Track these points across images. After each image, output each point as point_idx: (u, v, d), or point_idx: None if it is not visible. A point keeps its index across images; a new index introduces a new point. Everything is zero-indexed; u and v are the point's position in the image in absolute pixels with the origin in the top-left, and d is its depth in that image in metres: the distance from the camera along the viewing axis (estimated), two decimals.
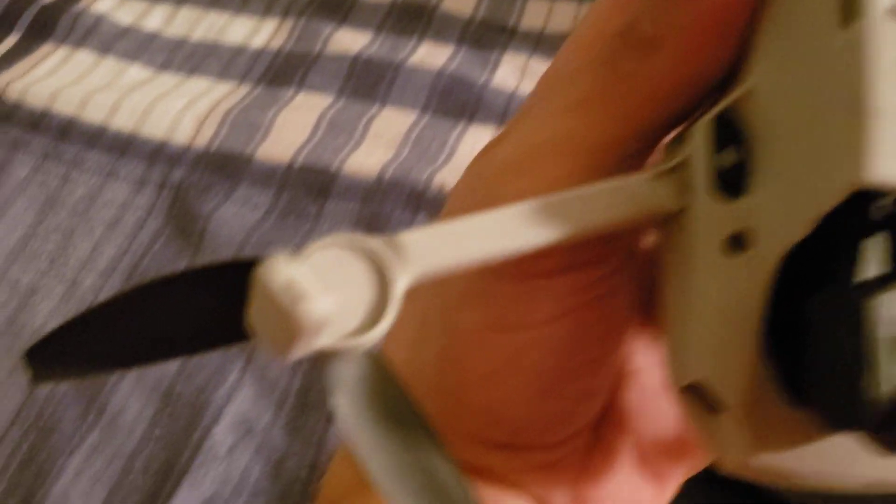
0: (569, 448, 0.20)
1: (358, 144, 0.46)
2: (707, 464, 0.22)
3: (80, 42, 0.51)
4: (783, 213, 0.13)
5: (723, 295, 0.14)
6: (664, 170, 0.16)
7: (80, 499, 0.36)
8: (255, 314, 0.14)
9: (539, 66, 0.48)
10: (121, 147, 0.46)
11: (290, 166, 0.45)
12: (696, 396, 0.15)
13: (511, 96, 0.47)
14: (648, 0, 0.16)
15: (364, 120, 0.47)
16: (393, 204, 0.44)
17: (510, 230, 0.15)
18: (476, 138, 0.45)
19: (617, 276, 0.18)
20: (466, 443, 0.20)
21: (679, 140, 0.16)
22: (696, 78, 0.16)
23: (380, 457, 0.15)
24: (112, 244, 0.43)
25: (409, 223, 0.43)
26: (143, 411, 0.38)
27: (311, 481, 0.37)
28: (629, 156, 0.17)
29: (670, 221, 0.16)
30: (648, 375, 0.21)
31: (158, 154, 0.46)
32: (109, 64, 0.50)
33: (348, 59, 0.49)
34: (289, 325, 0.13)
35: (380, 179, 0.44)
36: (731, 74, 0.16)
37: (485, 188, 0.18)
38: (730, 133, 0.15)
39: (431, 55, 0.49)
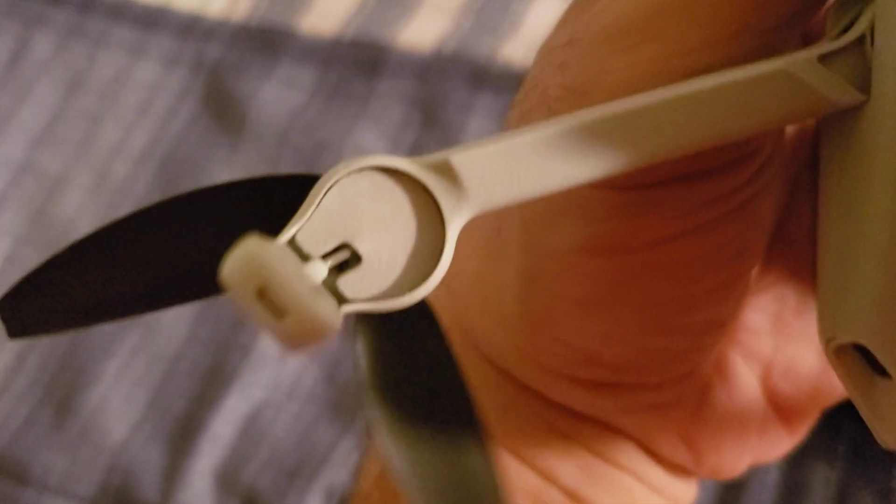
0: (683, 387, 0.16)
1: (413, 14, 0.41)
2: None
3: None
4: None
5: None
6: (836, 48, 0.11)
7: (121, 404, 0.34)
8: (239, 307, 0.10)
9: None
10: (150, 20, 0.42)
11: (337, 40, 0.40)
12: (857, 356, 0.12)
13: None
14: None
15: None
16: (452, 82, 0.39)
17: (612, 141, 0.11)
18: (545, 6, 0.40)
19: (760, 179, 0.14)
20: (555, 380, 0.16)
21: (852, 1, 0.12)
22: None
23: (405, 452, 0.12)
24: (144, 130, 0.39)
25: (469, 104, 0.39)
26: (184, 311, 0.35)
27: None
28: (784, 22, 0.12)
29: (840, 120, 0.11)
30: (781, 293, 0.17)
31: (191, 28, 0.42)
32: None
33: None
34: (282, 334, 0.10)
35: (437, 54, 0.40)
36: None
37: (580, 62, 0.13)
38: None
39: None
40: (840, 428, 0.31)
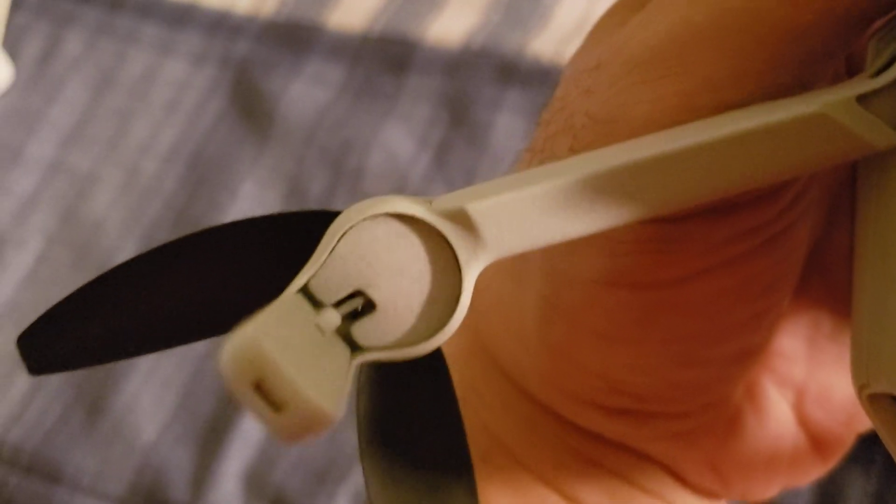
0: (711, 415, 0.16)
1: (442, 9, 0.40)
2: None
3: None
4: None
5: None
6: (876, 87, 0.11)
7: (152, 404, 0.34)
8: (236, 398, 0.10)
9: None
10: (178, 18, 0.42)
11: (365, 36, 0.40)
12: (891, 403, 0.11)
13: None
14: None
15: None
16: (480, 78, 0.39)
17: (635, 190, 0.10)
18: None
19: (792, 212, 0.13)
20: (578, 405, 0.16)
21: (894, 36, 0.11)
22: None
23: (392, 492, 0.12)
24: (172, 127, 0.39)
25: (497, 101, 0.38)
26: None
27: None
28: (818, 56, 0.11)
29: (879, 161, 0.11)
30: (816, 317, 0.16)
31: (219, 25, 0.41)
32: None
33: None
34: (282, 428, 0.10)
35: (466, 49, 0.39)
36: None
37: (605, 91, 0.12)
38: None
39: None
40: (877, 435, 0.30)
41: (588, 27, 0.15)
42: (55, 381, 0.35)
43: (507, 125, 0.38)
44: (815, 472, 0.17)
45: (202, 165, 0.38)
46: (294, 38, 0.41)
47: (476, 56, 0.39)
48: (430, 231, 0.11)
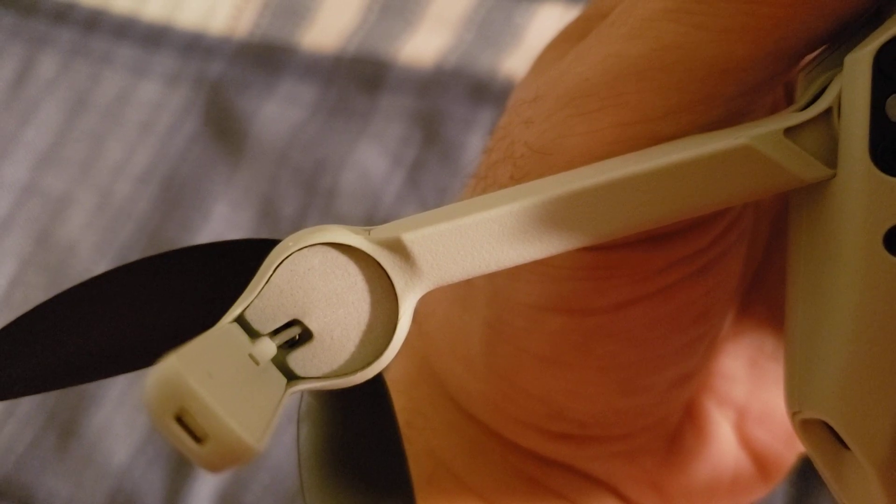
0: (651, 435, 0.16)
1: (416, 28, 0.40)
2: None
3: None
4: None
5: (875, 308, 0.10)
6: (803, 121, 0.11)
7: (124, 427, 0.34)
8: (158, 430, 0.10)
9: None
10: (153, 39, 0.42)
11: (339, 56, 0.40)
12: (823, 428, 0.11)
13: None
14: None
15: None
16: (453, 97, 0.39)
17: (567, 221, 0.10)
18: (547, 18, 0.40)
19: (726, 239, 0.13)
20: (521, 428, 0.16)
21: (822, 67, 0.11)
22: None
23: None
24: (146, 149, 0.39)
25: (470, 120, 0.38)
26: None
27: None
28: (752, 89, 0.11)
29: (808, 192, 0.11)
30: (758, 338, 0.17)
31: (193, 46, 0.42)
32: None
33: None
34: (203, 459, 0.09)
35: (439, 69, 0.39)
36: None
37: (542, 122, 0.13)
38: None
39: None
40: None
41: None
42: (26, 405, 0.35)
43: (480, 144, 0.38)
44: (757, 492, 0.18)
45: (176, 187, 0.38)
46: (268, 59, 0.41)
47: (449, 75, 0.39)
48: (368, 260, 0.11)
